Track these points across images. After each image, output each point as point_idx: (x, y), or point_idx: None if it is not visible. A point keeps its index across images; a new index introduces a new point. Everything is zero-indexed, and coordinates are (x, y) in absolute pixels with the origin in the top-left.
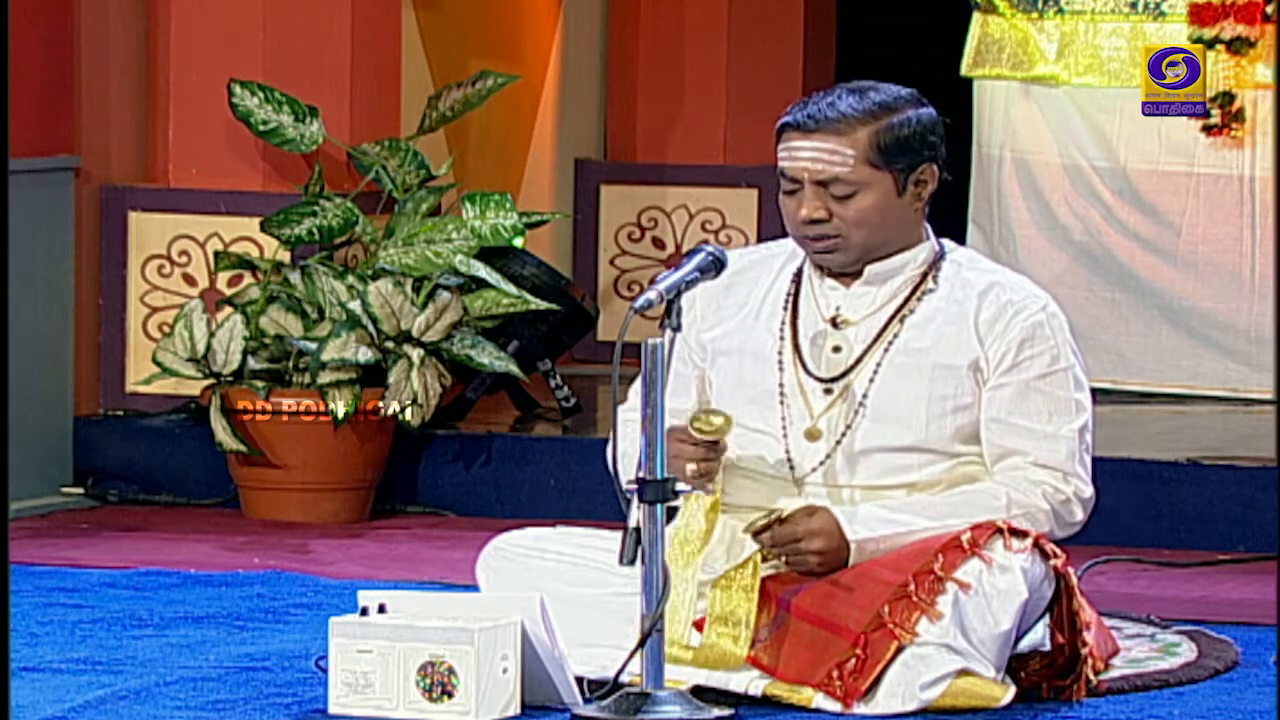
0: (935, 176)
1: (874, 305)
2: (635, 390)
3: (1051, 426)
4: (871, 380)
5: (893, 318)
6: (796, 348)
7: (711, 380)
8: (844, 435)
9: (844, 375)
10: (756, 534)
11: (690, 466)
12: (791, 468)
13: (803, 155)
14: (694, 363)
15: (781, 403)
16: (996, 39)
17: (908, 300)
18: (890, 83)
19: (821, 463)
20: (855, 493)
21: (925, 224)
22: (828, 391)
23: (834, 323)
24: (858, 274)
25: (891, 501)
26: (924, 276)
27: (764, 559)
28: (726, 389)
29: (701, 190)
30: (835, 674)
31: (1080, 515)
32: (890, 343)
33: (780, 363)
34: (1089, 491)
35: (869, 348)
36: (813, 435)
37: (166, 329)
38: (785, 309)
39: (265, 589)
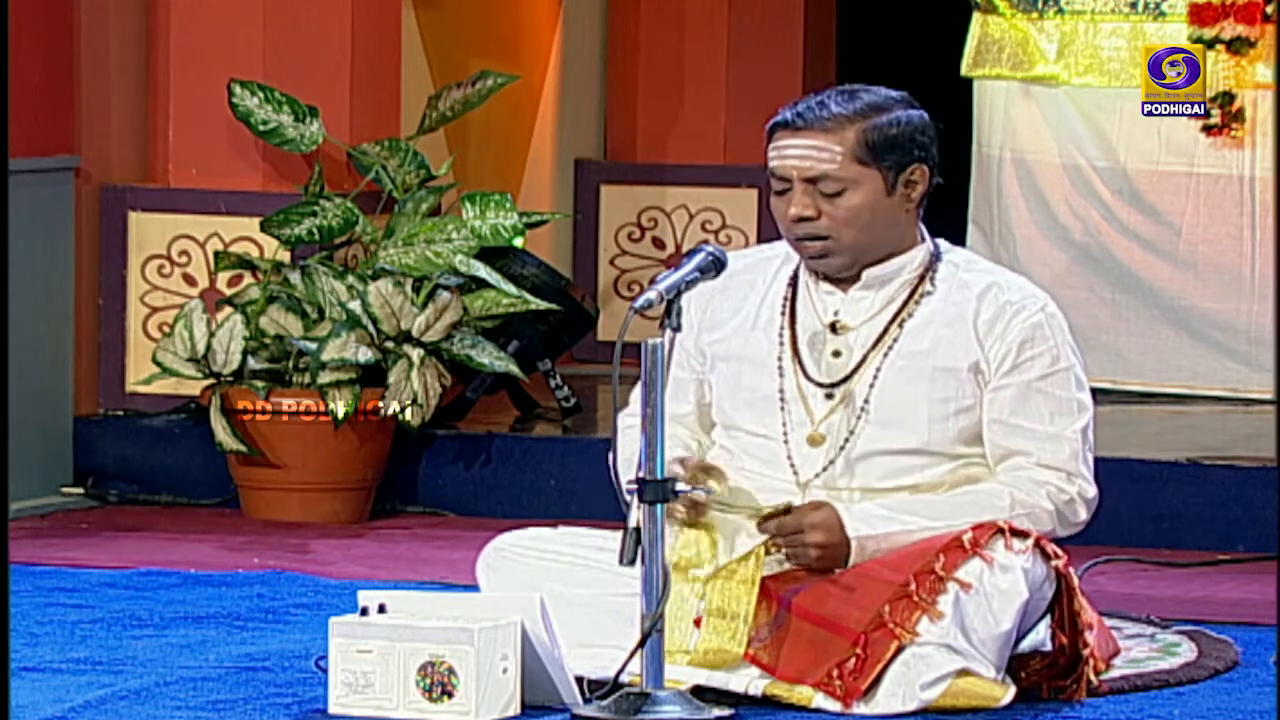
0: (926, 178)
1: (872, 309)
2: (636, 396)
3: (1054, 427)
4: (872, 384)
5: (892, 321)
6: (796, 353)
7: (711, 385)
8: (847, 440)
9: (845, 380)
10: (762, 522)
11: (679, 509)
12: (795, 472)
13: (791, 153)
14: (692, 367)
15: (782, 408)
16: (996, 39)
17: (906, 303)
18: (889, 83)
19: (825, 468)
20: (858, 495)
21: (921, 226)
22: (829, 396)
23: (833, 328)
24: (855, 278)
25: (894, 501)
26: (921, 279)
27: (767, 552)
28: (726, 394)
29: (701, 190)
30: (835, 673)
31: (1084, 515)
32: (890, 347)
33: (780, 368)
34: (1092, 491)
35: (869, 352)
36: (815, 441)
37: (166, 329)
38: (783, 314)
39: (265, 589)
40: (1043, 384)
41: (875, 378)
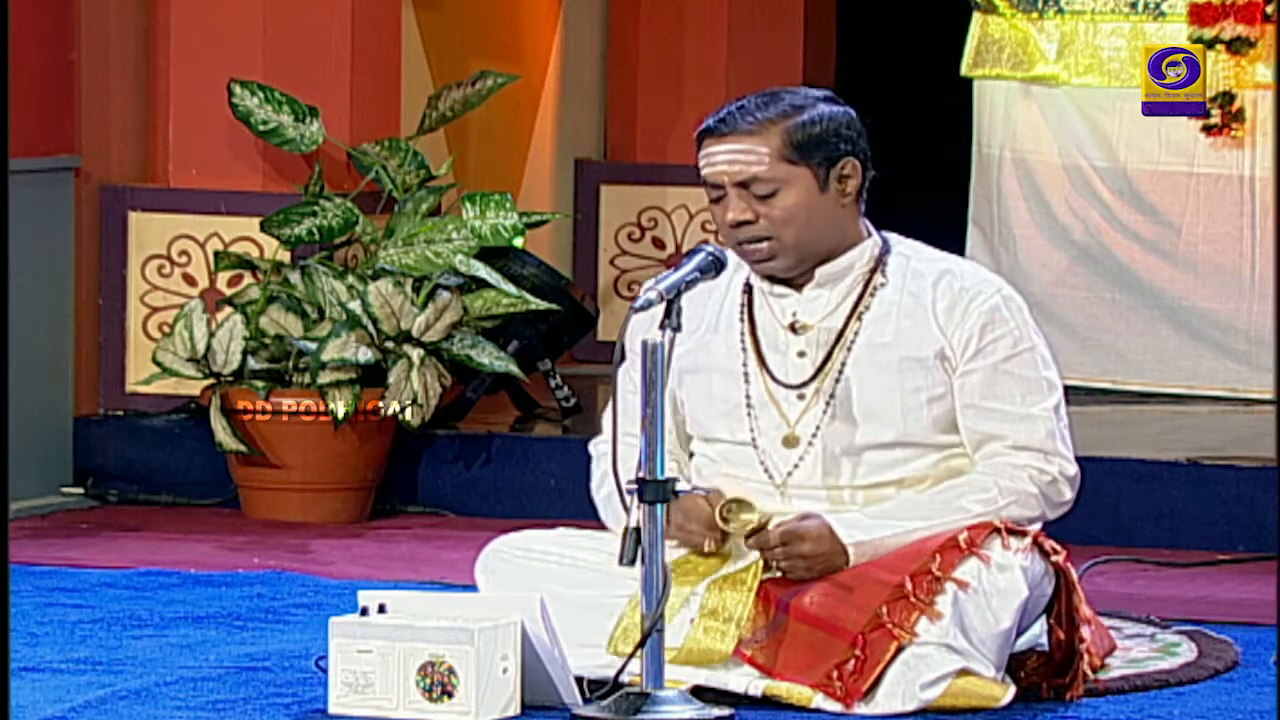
0: (859, 171)
1: (829, 307)
2: (606, 420)
3: (1024, 407)
4: (839, 380)
5: (850, 316)
6: (761, 358)
7: (682, 400)
8: (823, 437)
9: (813, 379)
10: (747, 538)
11: (708, 545)
12: (769, 475)
13: (719, 159)
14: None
15: (749, 413)
16: (996, 39)
17: (861, 297)
18: (889, 83)
19: (796, 466)
20: (844, 494)
21: (865, 220)
22: (800, 397)
23: (793, 329)
24: (808, 277)
25: (884, 505)
26: (873, 272)
27: (765, 567)
28: (699, 406)
29: (701, 190)
30: (835, 674)
31: (1069, 494)
32: (853, 341)
33: (746, 374)
34: (1073, 469)
35: (833, 349)
36: (790, 441)
37: (166, 329)
38: (742, 320)
39: (265, 589)
40: (1008, 365)
41: (841, 373)
